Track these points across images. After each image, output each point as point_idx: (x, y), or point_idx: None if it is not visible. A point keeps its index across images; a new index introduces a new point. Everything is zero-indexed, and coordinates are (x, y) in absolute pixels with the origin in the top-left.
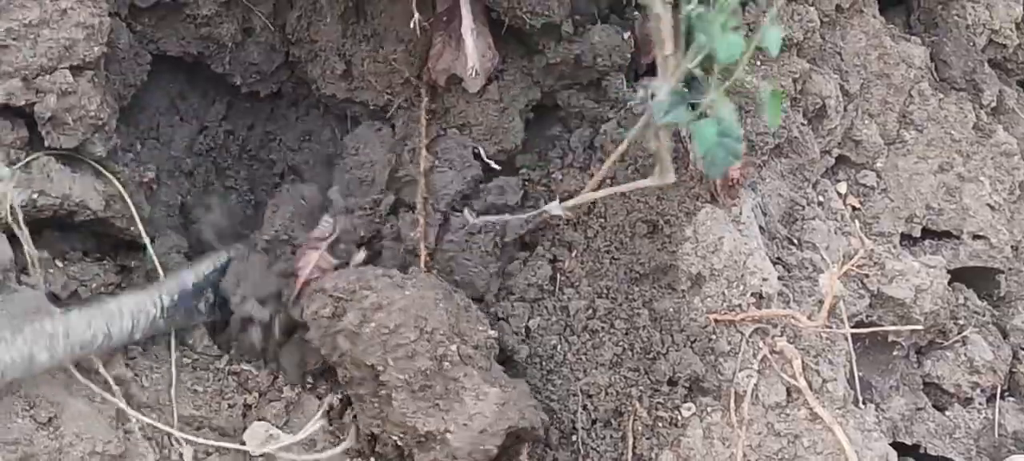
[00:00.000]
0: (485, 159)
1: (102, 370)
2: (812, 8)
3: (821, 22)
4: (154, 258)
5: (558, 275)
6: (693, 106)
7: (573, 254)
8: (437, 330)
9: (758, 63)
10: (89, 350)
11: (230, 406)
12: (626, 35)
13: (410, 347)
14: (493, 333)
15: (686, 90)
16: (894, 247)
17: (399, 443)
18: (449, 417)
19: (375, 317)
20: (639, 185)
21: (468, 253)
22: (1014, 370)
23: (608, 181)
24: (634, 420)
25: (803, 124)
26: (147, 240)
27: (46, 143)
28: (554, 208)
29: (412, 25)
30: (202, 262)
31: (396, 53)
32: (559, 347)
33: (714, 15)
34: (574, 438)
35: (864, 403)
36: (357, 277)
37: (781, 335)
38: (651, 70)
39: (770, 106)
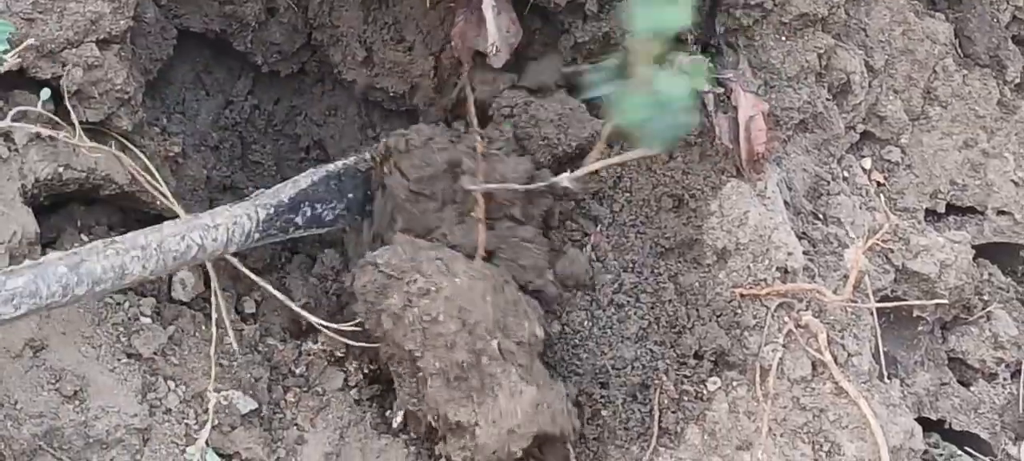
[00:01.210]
0: None
1: (130, 342)
2: None
3: None
4: None
5: (584, 249)
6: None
7: (599, 229)
8: (480, 324)
9: (782, 38)
10: (182, 262)
11: (255, 379)
12: None
13: (450, 338)
14: (540, 331)
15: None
16: (919, 222)
17: (433, 424)
18: (480, 411)
19: (419, 303)
20: (631, 155)
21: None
22: None
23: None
24: (660, 394)
25: (828, 99)
26: (180, 210)
27: (72, 117)
28: (565, 180)
29: None
30: (299, 177)
31: (416, 41)
32: (585, 322)
33: None
34: (601, 412)
35: (889, 378)
36: (409, 256)
37: (806, 309)
38: None
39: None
